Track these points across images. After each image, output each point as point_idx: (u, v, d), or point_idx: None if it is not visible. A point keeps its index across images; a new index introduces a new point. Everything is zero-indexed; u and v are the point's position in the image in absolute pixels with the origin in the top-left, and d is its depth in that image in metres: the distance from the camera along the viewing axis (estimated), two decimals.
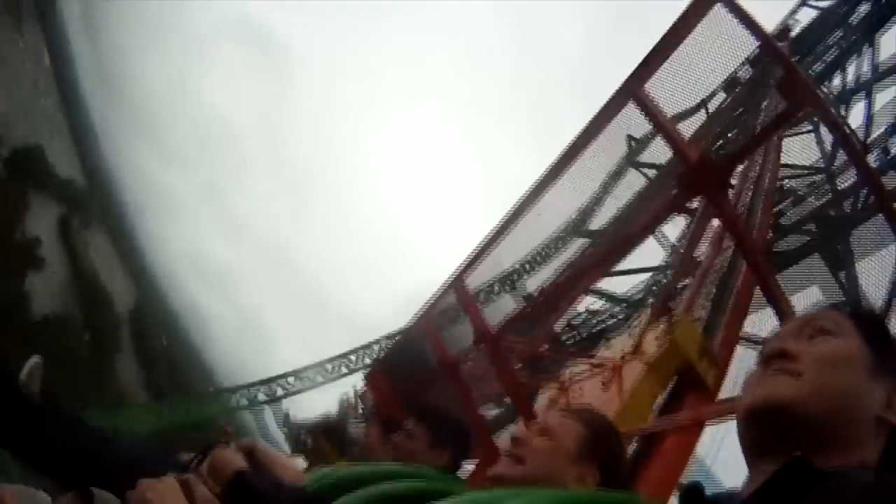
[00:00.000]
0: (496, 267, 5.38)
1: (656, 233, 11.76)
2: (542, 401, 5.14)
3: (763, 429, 0.99)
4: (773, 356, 1.05)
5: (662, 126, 3.16)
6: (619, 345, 5.68)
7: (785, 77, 3.00)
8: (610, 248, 5.11)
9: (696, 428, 4.30)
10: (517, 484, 1.58)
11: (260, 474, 1.94)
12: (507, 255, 6.50)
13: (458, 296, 4.20)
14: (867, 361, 1.02)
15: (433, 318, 5.03)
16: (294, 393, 31.18)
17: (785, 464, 0.90)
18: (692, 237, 8.43)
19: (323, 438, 3.68)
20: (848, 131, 11.16)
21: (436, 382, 5.74)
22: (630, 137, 7.42)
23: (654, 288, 14.25)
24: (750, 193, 9.24)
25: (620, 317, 14.57)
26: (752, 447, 1.01)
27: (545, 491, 1.48)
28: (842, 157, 11.65)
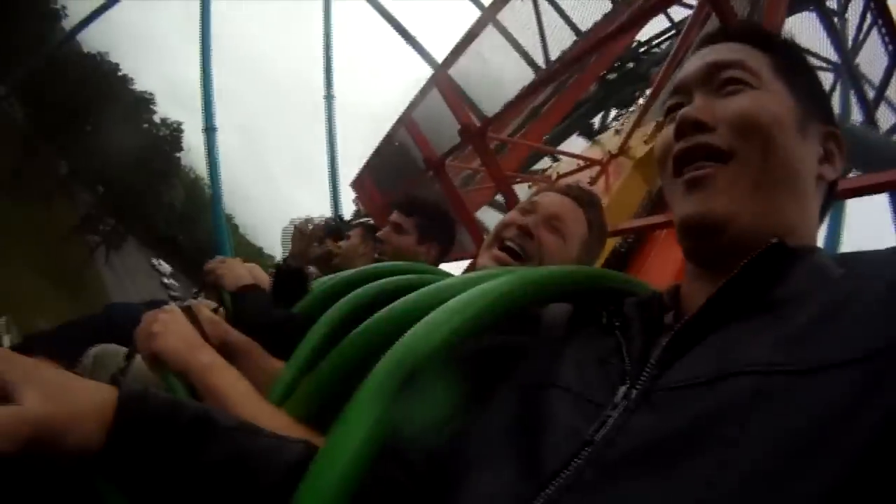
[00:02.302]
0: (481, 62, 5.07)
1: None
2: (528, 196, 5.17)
3: (703, 241, 0.82)
4: (687, 126, 0.84)
5: None
6: (607, 142, 5.62)
7: None
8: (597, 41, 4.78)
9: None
10: None
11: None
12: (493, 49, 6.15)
13: (442, 90, 4.02)
14: (796, 113, 0.83)
15: (417, 117, 4.89)
16: None
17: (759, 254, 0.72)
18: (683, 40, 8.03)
19: (323, 232, 3.63)
20: None
21: (423, 184, 5.72)
22: None
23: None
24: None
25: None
26: (693, 255, 0.86)
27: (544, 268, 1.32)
28: None
